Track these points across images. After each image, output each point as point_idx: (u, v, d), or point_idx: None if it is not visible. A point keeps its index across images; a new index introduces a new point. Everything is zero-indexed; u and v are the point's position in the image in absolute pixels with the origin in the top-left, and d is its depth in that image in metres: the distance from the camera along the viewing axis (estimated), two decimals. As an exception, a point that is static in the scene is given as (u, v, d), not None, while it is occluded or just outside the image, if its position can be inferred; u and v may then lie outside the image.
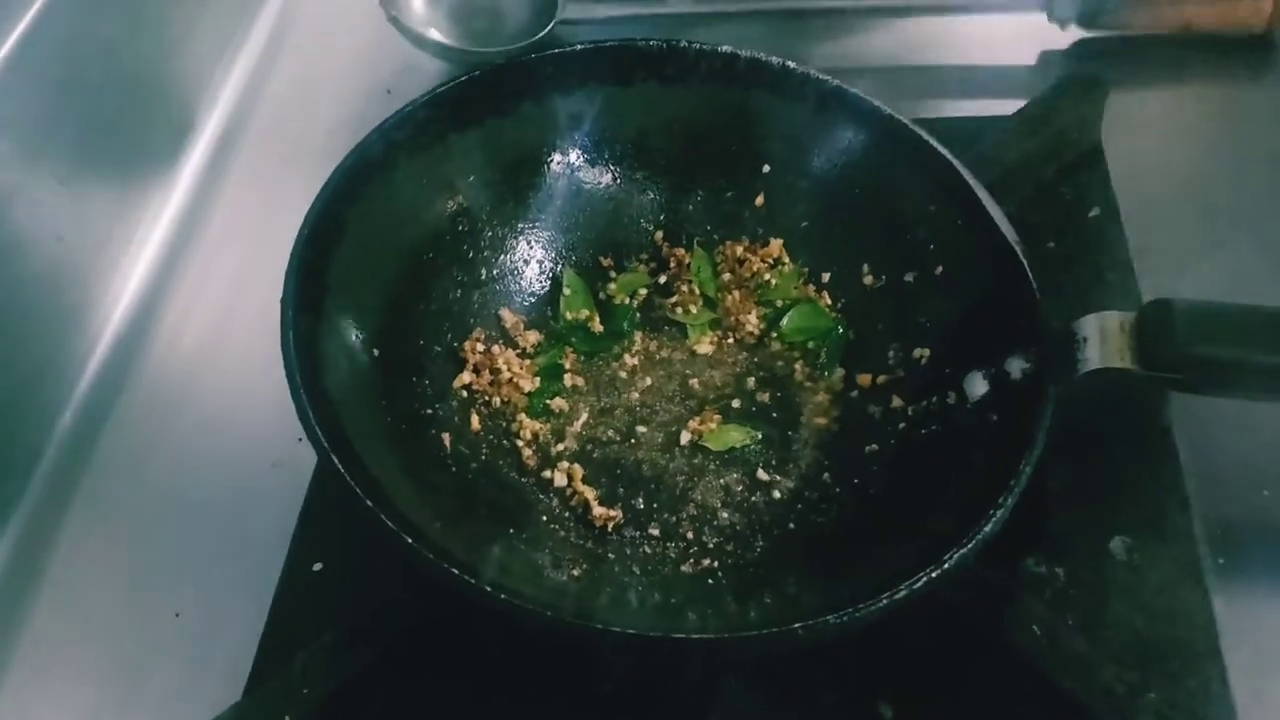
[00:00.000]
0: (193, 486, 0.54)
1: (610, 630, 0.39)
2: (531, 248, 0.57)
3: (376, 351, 0.49)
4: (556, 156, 0.57)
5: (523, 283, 0.56)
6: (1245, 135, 0.65)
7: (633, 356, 0.55)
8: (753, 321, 0.56)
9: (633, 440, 0.52)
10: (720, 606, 0.45)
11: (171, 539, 0.52)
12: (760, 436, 0.52)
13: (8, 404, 0.53)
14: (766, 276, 0.57)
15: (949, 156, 0.51)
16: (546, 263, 0.57)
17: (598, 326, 0.56)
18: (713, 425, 0.52)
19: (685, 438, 0.52)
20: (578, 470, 0.50)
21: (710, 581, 0.47)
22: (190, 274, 0.62)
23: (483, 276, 0.56)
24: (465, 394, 0.52)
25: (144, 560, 0.51)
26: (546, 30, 0.65)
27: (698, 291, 0.57)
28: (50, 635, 0.49)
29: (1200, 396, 0.48)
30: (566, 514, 0.49)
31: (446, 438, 0.50)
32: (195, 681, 0.47)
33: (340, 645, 0.43)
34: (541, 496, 0.50)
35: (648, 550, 0.48)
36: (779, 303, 0.56)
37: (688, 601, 0.45)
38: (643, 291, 0.57)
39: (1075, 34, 0.69)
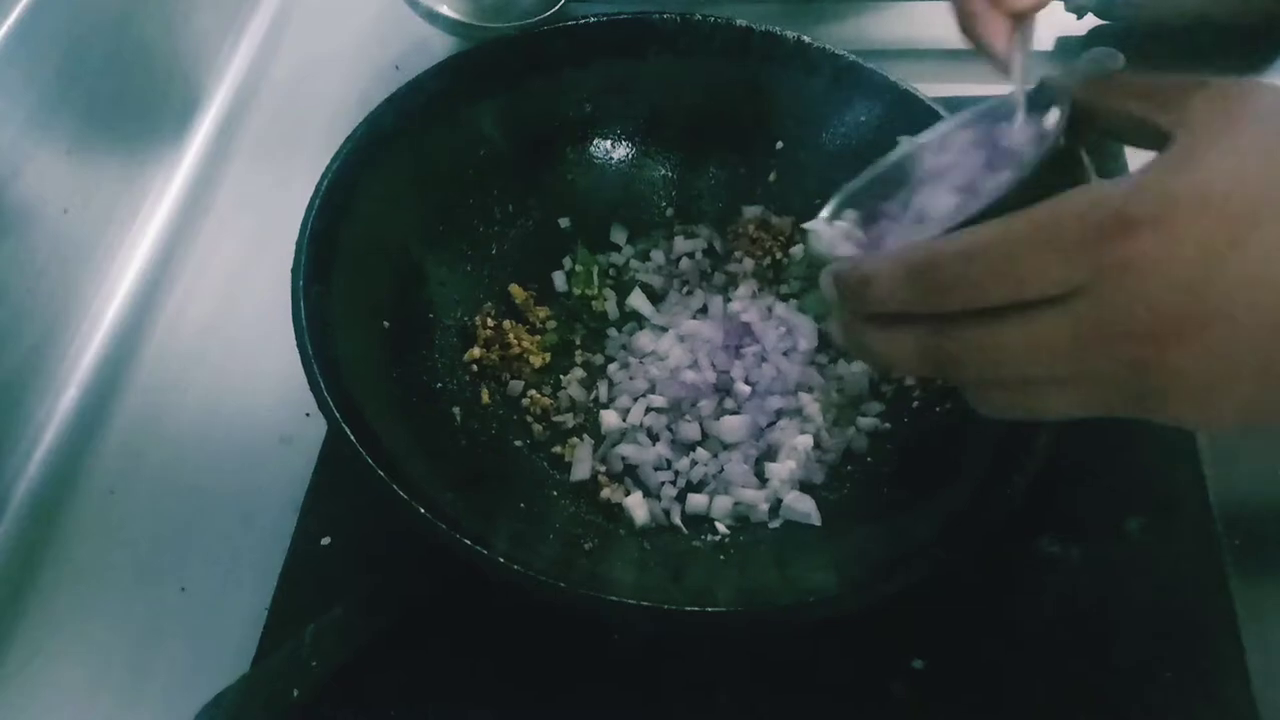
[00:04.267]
0: (199, 461, 0.53)
1: (622, 602, 0.39)
2: (542, 222, 0.56)
3: (387, 324, 0.49)
4: (569, 130, 0.57)
5: (533, 258, 0.56)
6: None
7: (645, 332, 0.55)
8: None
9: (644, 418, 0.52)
10: (732, 582, 0.45)
11: (178, 513, 0.51)
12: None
13: (12, 377, 0.52)
14: (778, 255, 0.57)
15: (965, 132, 0.50)
16: (557, 238, 0.57)
17: (608, 302, 0.55)
18: (724, 407, 0.52)
19: (697, 418, 0.51)
20: (588, 446, 0.50)
21: (722, 558, 0.47)
22: (197, 248, 0.62)
23: (493, 251, 0.55)
24: (475, 368, 0.52)
25: (150, 534, 0.51)
26: (558, 6, 0.64)
27: (712, 269, 0.57)
28: (56, 609, 0.48)
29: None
30: (577, 490, 0.49)
31: (457, 411, 0.50)
32: (203, 655, 0.46)
33: (349, 618, 0.43)
34: (552, 471, 0.50)
35: (658, 526, 0.48)
36: (791, 281, 0.56)
37: (699, 576, 0.45)
38: (655, 267, 0.57)
39: (1092, 21, 0.69)
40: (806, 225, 0.40)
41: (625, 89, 0.56)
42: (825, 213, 0.41)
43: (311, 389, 0.41)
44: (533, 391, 0.52)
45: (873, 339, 0.35)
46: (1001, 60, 0.40)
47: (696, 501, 0.49)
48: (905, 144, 0.42)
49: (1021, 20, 0.40)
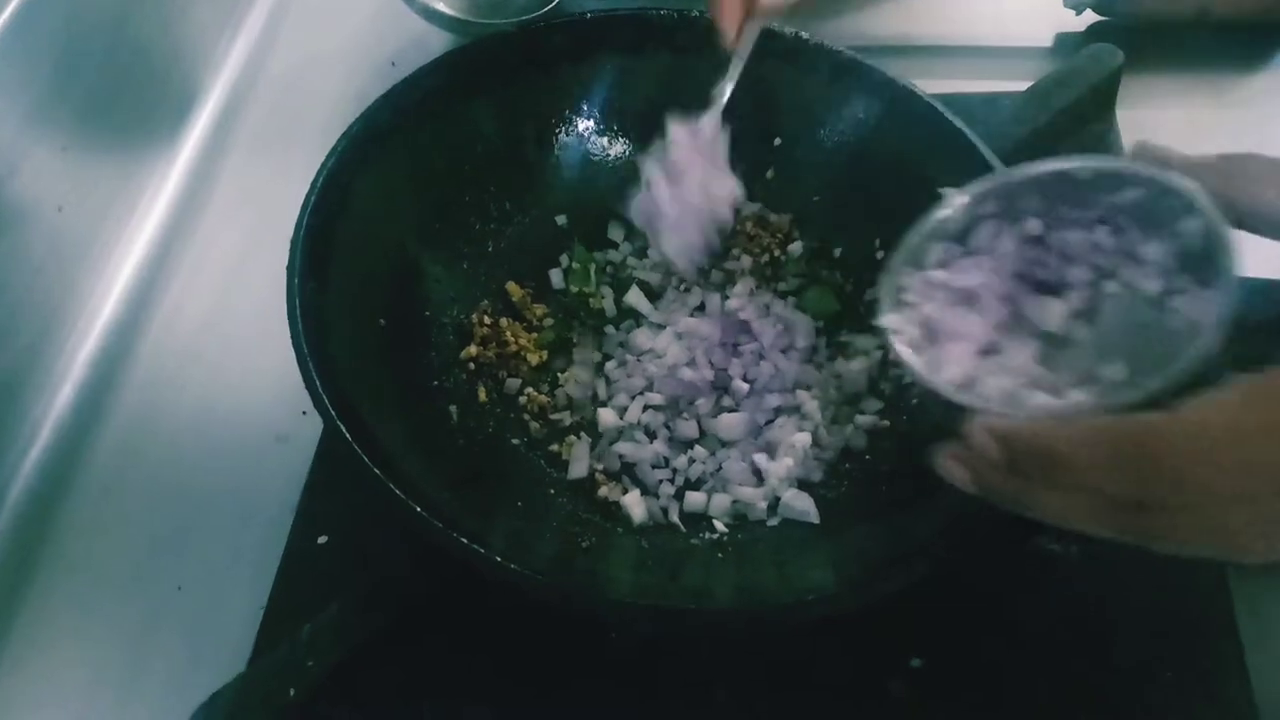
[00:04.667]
0: (195, 460, 0.53)
1: (619, 601, 0.39)
2: (539, 219, 0.56)
3: (383, 321, 0.49)
4: (566, 126, 0.56)
5: (530, 255, 0.56)
6: (1260, 120, 0.64)
7: (642, 330, 0.54)
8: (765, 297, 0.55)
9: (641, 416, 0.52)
10: (730, 580, 0.45)
11: (174, 512, 0.51)
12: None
13: (9, 374, 0.52)
14: (776, 253, 0.57)
15: (964, 128, 0.50)
16: (554, 235, 0.57)
17: (606, 300, 0.55)
18: (722, 405, 0.51)
19: (695, 415, 0.51)
20: (585, 444, 0.50)
21: (720, 556, 0.47)
22: (193, 245, 0.61)
23: (490, 248, 0.55)
24: (472, 366, 0.52)
25: (146, 532, 0.50)
26: (554, 3, 0.64)
27: (709, 266, 0.56)
28: (52, 608, 0.48)
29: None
30: (575, 488, 0.49)
31: (454, 409, 0.49)
32: (199, 654, 0.46)
33: (345, 617, 0.43)
34: (549, 469, 0.50)
35: (656, 524, 0.48)
36: (789, 278, 0.56)
37: (697, 575, 0.45)
38: (653, 264, 0.57)
39: (1091, 17, 0.68)
40: (881, 322, 0.39)
41: (624, 85, 0.56)
42: (888, 301, 0.40)
43: (307, 386, 0.41)
44: (530, 389, 0.52)
45: (1049, 505, 0.33)
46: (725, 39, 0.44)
47: (694, 499, 0.48)
48: (951, 199, 0.40)
49: (755, 15, 0.43)
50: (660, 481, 0.49)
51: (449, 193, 0.54)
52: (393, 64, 0.69)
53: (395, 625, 0.43)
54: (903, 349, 0.38)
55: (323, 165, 0.47)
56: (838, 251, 0.56)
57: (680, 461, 0.50)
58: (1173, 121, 0.63)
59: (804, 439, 0.49)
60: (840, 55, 0.54)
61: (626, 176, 0.58)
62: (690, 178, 0.48)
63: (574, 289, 0.55)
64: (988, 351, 0.39)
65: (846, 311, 0.55)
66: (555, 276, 0.56)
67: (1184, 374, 0.33)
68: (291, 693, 0.40)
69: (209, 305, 0.59)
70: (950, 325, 0.39)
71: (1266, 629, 0.44)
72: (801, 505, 0.47)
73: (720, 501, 0.48)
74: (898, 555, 0.41)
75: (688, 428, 0.50)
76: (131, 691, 0.46)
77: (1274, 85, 0.66)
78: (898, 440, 0.50)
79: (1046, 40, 0.69)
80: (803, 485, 0.49)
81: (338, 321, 0.45)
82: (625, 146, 0.58)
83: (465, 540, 0.38)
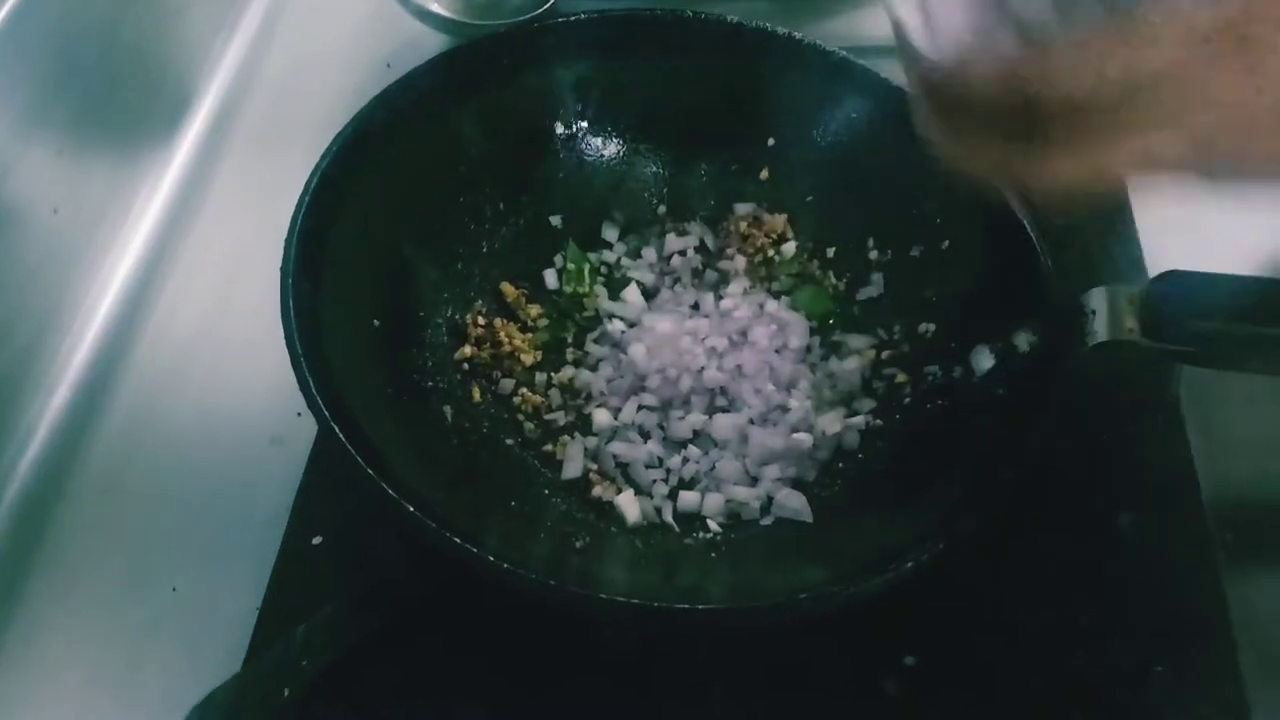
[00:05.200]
0: (191, 461, 0.53)
1: (613, 600, 0.39)
2: (533, 220, 0.56)
3: (377, 322, 0.49)
4: (560, 127, 0.57)
5: (524, 255, 0.56)
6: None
7: (636, 330, 0.54)
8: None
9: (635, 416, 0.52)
10: (724, 580, 0.45)
11: (169, 513, 0.51)
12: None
13: (4, 378, 0.52)
14: (770, 253, 0.57)
15: (957, 129, 0.50)
16: (549, 235, 0.57)
17: (600, 299, 0.55)
18: (715, 405, 0.52)
19: (689, 415, 0.51)
20: (579, 444, 0.50)
21: (714, 555, 0.47)
22: (189, 247, 0.61)
23: (484, 249, 0.55)
24: (466, 366, 0.52)
25: (141, 534, 0.50)
26: (549, 4, 0.64)
27: (704, 266, 0.57)
28: (48, 610, 0.48)
29: (1208, 370, 0.48)
30: (569, 488, 0.49)
31: (448, 410, 0.49)
32: (193, 655, 0.46)
33: (339, 617, 0.43)
34: (543, 469, 0.50)
35: (650, 524, 0.48)
36: (783, 278, 0.56)
37: (691, 574, 0.45)
38: (647, 264, 0.57)
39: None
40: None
41: (617, 85, 0.56)
42: None
43: (300, 388, 0.41)
44: (524, 389, 0.52)
45: (964, 152, 0.35)
46: None
47: (688, 499, 0.49)
48: None
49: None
50: (654, 481, 0.49)
51: (443, 193, 0.54)
52: (388, 65, 0.69)
53: (390, 625, 0.43)
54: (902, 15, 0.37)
55: (316, 166, 0.47)
56: (831, 251, 0.56)
57: (674, 461, 0.50)
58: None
59: (797, 439, 0.50)
60: (834, 56, 0.54)
61: (621, 177, 0.58)
62: None
63: (568, 289, 0.56)
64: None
65: (840, 311, 0.55)
66: (549, 277, 0.56)
67: None
68: (286, 693, 0.40)
69: (204, 307, 0.59)
70: (945, 11, 0.37)
71: (1261, 628, 0.44)
72: (795, 504, 0.48)
73: (714, 501, 0.48)
74: (891, 553, 0.41)
75: (681, 427, 0.50)
76: (127, 692, 0.46)
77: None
78: (890, 439, 0.50)
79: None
80: (796, 485, 0.49)
81: (332, 323, 0.45)
82: (619, 147, 0.58)
83: (459, 540, 0.38)
